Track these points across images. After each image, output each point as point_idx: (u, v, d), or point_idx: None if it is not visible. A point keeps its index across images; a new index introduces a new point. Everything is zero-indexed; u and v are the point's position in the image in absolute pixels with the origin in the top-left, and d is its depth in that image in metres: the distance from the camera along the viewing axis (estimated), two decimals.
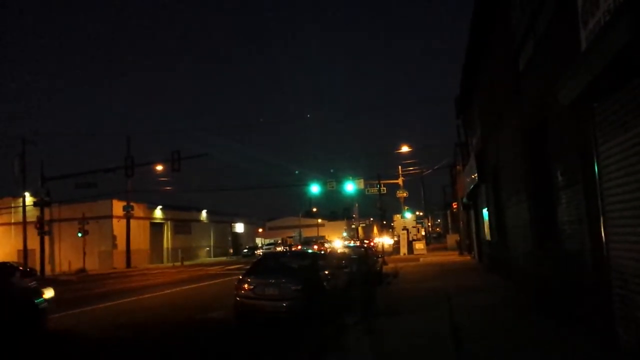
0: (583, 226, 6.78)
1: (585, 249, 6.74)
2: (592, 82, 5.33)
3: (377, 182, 42.98)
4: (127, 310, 14.22)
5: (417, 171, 48.15)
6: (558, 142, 7.91)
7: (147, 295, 18.25)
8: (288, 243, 68.51)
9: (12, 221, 47.91)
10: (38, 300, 10.73)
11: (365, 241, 51.31)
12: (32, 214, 37.63)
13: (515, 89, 10.78)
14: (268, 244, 69.98)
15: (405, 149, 45.26)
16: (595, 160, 6.10)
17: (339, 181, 45.87)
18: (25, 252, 36.95)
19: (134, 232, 47.04)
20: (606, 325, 6.10)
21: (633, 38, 4.12)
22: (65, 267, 45.17)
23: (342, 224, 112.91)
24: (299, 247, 57.34)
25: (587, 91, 5.64)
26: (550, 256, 8.87)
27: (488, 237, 18.94)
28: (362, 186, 44.97)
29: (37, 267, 35.62)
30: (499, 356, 6.67)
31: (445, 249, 43.80)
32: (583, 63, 5.43)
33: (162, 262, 54.02)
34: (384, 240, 50.85)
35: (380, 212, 45.92)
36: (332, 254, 19.12)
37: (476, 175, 18.48)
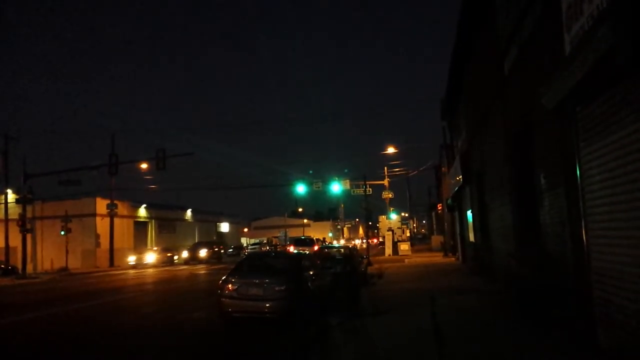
0: (565, 229, 6.85)
1: (567, 252, 6.81)
2: (575, 87, 5.39)
3: (362, 182, 43.01)
4: (115, 308, 14.13)
5: (402, 172, 48.33)
6: (541, 145, 7.99)
7: (131, 294, 18.13)
8: (273, 243, 68.42)
9: None
10: None
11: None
12: (14, 211, 37.11)
13: (500, 92, 10.87)
14: (253, 244, 69.74)
15: (391, 150, 45.37)
16: (578, 164, 6.17)
17: (325, 181, 45.85)
18: (6, 250, 36.41)
19: (117, 231, 46.62)
20: (587, 327, 6.16)
21: (615, 43, 4.17)
22: (47, 266, 44.64)
23: (327, 224, 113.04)
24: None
25: (570, 95, 5.70)
26: (533, 258, 8.96)
27: (472, 238, 19.08)
28: (348, 187, 44.97)
29: (19, 266, 35.18)
30: (481, 356, 6.71)
31: (430, 250, 43.99)
32: (566, 67, 5.48)
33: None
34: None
35: (366, 213, 45.90)
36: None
37: (461, 177, 18.60)
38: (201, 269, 33.91)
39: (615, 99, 5.02)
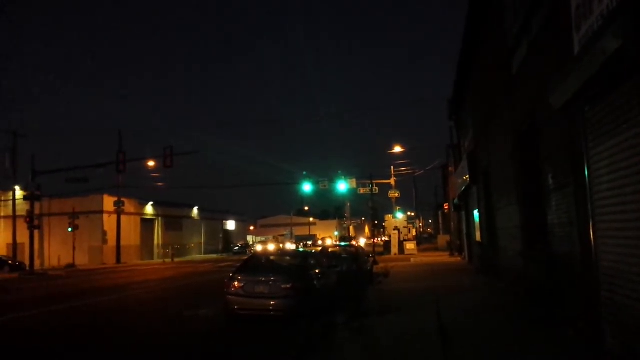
0: (573, 229, 6.82)
1: (575, 252, 6.77)
2: (583, 86, 5.36)
3: (369, 181, 43.01)
4: (118, 305, 14.18)
5: (409, 172, 48.30)
6: (549, 144, 7.95)
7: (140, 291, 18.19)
8: (279, 242, 68.72)
9: (2, 215, 47.58)
10: None
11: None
12: (22, 207, 37.37)
13: (508, 91, 10.82)
14: (259, 242, 69.84)
15: (398, 149, 45.32)
16: (586, 164, 6.13)
17: (332, 180, 45.87)
18: (14, 246, 36.66)
19: (124, 228, 46.83)
20: (594, 328, 6.13)
21: (625, 42, 4.15)
22: (55, 262, 44.95)
23: (333, 223, 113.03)
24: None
25: (578, 95, 5.67)
26: (540, 258, 8.92)
27: (478, 238, 19.01)
28: (354, 185, 45.01)
29: (27, 262, 35.41)
30: (486, 356, 6.70)
31: (436, 249, 43.95)
32: (575, 67, 5.45)
33: (152, 259, 53.82)
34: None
35: (372, 211, 45.92)
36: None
37: (468, 176, 18.53)
38: None
39: (624, 99, 4.99)
